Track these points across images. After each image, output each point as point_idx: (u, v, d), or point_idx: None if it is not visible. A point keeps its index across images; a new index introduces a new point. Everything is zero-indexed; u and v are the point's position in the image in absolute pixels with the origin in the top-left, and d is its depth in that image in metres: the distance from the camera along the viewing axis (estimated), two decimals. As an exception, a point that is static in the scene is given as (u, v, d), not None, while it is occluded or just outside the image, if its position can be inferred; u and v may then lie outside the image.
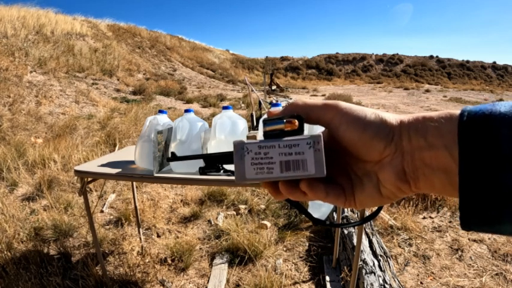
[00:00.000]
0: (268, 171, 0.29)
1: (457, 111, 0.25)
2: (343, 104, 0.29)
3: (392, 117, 0.28)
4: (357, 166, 0.30)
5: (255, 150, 0.29)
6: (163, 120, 1.34)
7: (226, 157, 1.14)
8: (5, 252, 1.84)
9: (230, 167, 1.15)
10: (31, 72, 6.89)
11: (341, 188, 0.30)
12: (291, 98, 10.40)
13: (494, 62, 32.70)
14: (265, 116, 0.31)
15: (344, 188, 0.30)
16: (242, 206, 2.53)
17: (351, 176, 0.31)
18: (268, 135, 0.30)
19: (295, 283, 1.70)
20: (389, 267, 1.58)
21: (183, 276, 1.77)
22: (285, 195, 0.30)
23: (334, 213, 2.13)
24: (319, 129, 0.34)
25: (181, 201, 2.67)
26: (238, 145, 0.29)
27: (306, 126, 0.32)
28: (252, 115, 1.76)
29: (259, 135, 1.19)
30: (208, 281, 1.72)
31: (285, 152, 0.28)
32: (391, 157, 0.27)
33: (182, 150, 1.22)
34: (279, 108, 0.31)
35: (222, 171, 1.14)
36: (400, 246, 1.99)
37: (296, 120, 0.29)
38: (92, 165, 1.40)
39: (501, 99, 14.20)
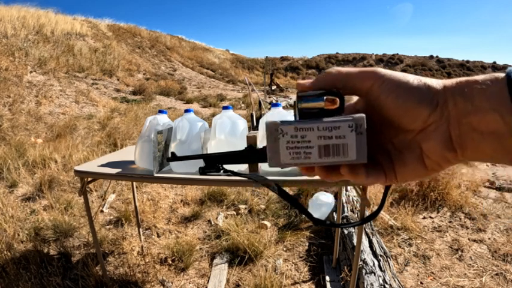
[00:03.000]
0: (306, 156, 0.26)
1: (502, 74, 0.24)
2: (383, 70, 0.27)
3: (436, 82, 0.26)
4: (397, 138, 0.28)
5: (290, 132, 0.26)
6: (163, 120, 1.34)
7: (226, 157, 1.14)
8: (5, 252, 1.84)
9: (230, 167, 1.15)
10: (31, 72, 6.89)
11: (380, 166, 0.28)
12: (291, 98, 10.39)
13: (494, 62, 32.68)
14: (304, 93, 0.28)
15: (383, 165, 0.29)
16: (242, 206, 2.53)
17: (389, 150, 0.29)
18: (304, 114, 0.27)
19: (295, 283, 1.70)
20: (389, 267, 1.58)
21: (183, 276, 1.77)
22: (320, 177, 0.28)
23: (334, 213, 2.13)
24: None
25: (181, 201, 2.67)
26: (272, 126, 0.26)
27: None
28: (252, 115, 1.76)
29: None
30: (208, 281, 1.72)
31: (325, 135, 0.26)
32: (436, 124, 0.26)
33: (182, 150, 1.22)
34: (308, 81, 0.28)
35: (222, 171, 1.14)
36: (400, 246, 1.99)
37: (337, 99, 0.26)
38: (92, 165, 1.40)
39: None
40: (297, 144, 0.26)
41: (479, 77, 0.24)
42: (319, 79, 0.28)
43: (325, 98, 0.26)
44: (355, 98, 0.30)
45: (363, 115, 0.26)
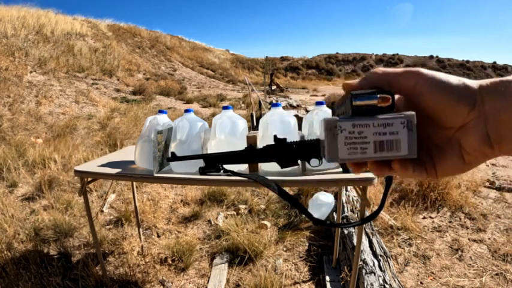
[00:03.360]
0: (362, 152, 0.28)
1: None
2: (425, 70, 0.29)
3: (473, 82, 0.28)
4: (438, 135, 0.30)
5: (348, 128, 0.28)
6: (163, 120, 1.34)
7: (226, 157, 1.14)
8: (5, 252, 1.84)
9: (230, 167, 1.15)
10: (31, 72, 6.89)
11: (421, 162, 0.30)
12: (291, 98, 10.39)
13: (494, 62, 32.68)
14: (356, 91, 0.29)
15: (424, 161, 0.30)
16: (242, 206, 2.53)
17: (429, 147, 0.31)
18: (358, 111, 0.28)
19: (295, 283, 1.70)
20: (389, 267, 1.58)
21: (183, 276, 1.77)
22: (370, 171, 0.30)
23: (334, 213, 2.13)
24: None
25: (181, 201, 2.67)
26: (331, 123, 0.28)
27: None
28: (252, 115, 1.76)
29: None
30: (208, 281, 1.72)
31: (379, 131, 0.28)
32: (474, 122, 0.27)
33: (182, 150, 1.22)
34: (355, 80, 0.30)
35: (222, 171, 1.14)
36: (400, 246, 1.99)
37: (389, 97, 0.28)
38: (92, 165, 1.40)
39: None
40: (354, 140, 0.28)
41: None
42: (366, 79, 0.30)
43: (378, 95, 0.28)
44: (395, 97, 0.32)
45: (413, 112, 0.28)
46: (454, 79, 0.28)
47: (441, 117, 0.29)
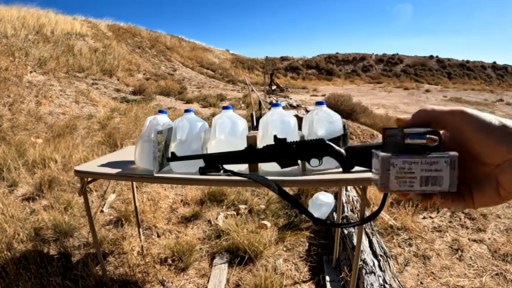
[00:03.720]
0: (410, 185, 0.32)
1: None
2: (469, 110, 0.32)
3: (510, 122, 0.30)
4: (477, 170, 0.33)
5: (400, 165, 0.32)
6: (163, 120, 1.34)
7: (226, 157, 1.14)
8: (5, 252, 1.84)
9: (230, 167, 1.15)
10: (31, 72, 6.89)
11: (460, 193, 0.33)
12: (291, 98, 10.39)
13: (494, 62, 32.69)
14: (408, 129, 0.33)
15: (463, 192, 0.33)
16: (242, 206, 2.53)
17: (469, 180, 0.33)
18: (409, 148, 0.32)
19: (295, 283, 1.70)
20: (390, 267, 1.58)
21: (183, 276, 1.77)
22: (414, 200, 0.34)
23: (334, 213, 2.13)
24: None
25: (181, 201, 2.67)
26: (385, 159, 0.32)
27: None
28: (252, 115, 1.76)
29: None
30: (208, 281, 1.72)
31: (426, 168, 0.31)
32: (511, 161, 0.30)
33: (182, 150, 1.22)
34: (407, 117, 0.35)
35: (222, 171, 1.14)
36: (400, 246, 1.99)
37: (437, 138, 0.32)
38: (92, 165, 1.40)
39: (501, 99, 14.19)
40: (404, 174, 0.32)
41: None
42: (417, 116, 0.34)
43: (427, 136, 0.32)
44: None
45: (457, 154, 0.32)
46: (494, 120, 0.30)
47: (481, 154, 0.31)
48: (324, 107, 1.22)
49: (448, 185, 0.31)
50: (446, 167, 0.31)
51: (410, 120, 0.34)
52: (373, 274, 1.48)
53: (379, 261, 1.57)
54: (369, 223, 1.90)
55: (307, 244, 2.05)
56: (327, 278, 1.70)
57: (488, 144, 0.30)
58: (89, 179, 1.41)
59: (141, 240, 2.03)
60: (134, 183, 2.02)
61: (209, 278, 1.74)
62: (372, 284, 1.42)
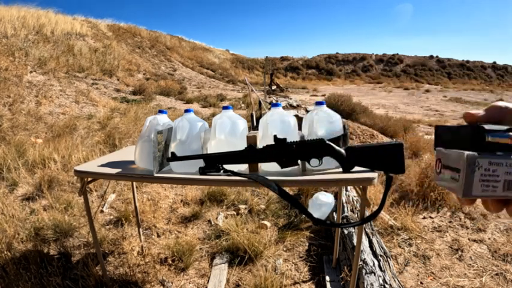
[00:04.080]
0: (493, 190, 0.28)
1: None
2: None
3: None
4: None
5: (485, 166, 0.28)
6: (163, 120, 1.34)
7: (226, 157, 1.15)
8: (5, 252, 1.84)
9: (230, 167, 1.15)
10: (31, 72, 6.89)
11: None
12: (291, 98, 10.39)
13: (494, 62, 32.68)
14: (487, 125, 0.29)
15: None
16: (242, 206, 2.53)
17: None
18: (489, 148, 0.28)
19: (295, 283, 1.70)
20: (390, 267, 1.58)
21: (183, 276, 1.77)
22: (490, 209, 0.30)
23: (334, 213, 2.13)
24: None
25: (181, 201, 2.67)
26: (472, 159, 0.28)
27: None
28: (252, 115, 1.76)
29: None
30: (208, 281, 1.72)
31: (510, 171, 0.27)
32: None
33: (182, 150, 1.22)
34: (479, 112, 0.30)
35: (222, 171, 1.14)
36: (400, 246, 1.99)
37: None
38: (92, 165, 1.40)
39: (501, 99, 14.19)
40: (488, 177, 0.28)
41: None
42: (489, 111, 0.30)
43: (510, 134, 0.28)
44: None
45: None
46: None
47: None
48: (324, 107, 1.22)
49: None
50: None
51: (482, 117, 0.30)
52: (373, 274, 1.48)
53: (379, 261, 1.57)
54: (368, 223, 1.90)
55: (307, 244, 2.05)
56: (327, 278, 1.70)
57: None
58: (89, 179, 1.41)
59: (141, 240, 2.03)
60: (134, 183, 2.02)
61: (209, 278, 1.74)
62: (371, 284, 1.42)
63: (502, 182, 0.27)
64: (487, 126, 0.28)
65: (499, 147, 0.28)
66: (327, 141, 1.06)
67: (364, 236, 1.75)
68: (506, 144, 0.28)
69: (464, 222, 2.27)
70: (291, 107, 7.90)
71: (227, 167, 1.14)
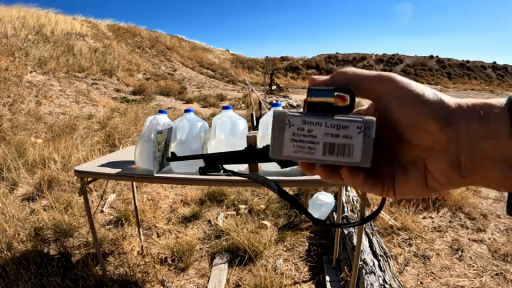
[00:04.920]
0: (309, 152, 0.26)
1: None
2: (400, 77, 0.26)
3: (452, 100, 0.25)
4: (403, 151, 0.27)
5: (298, 124, 0.25)
6: (163, 120, 1.34)
7: (226, 157, 1.14)
8: (5, 252, 1.84)
9: (230, 167, 1.15)
10: (31, 72, 6.89)
11: (379, 177, 0.27)
12: (291, 98, 10.39)
13: (494, 62, 32.67)
14: (316, 86, 0.27)
15: (382, 177, 0.28)
16: (242, 206, 2.53)
17: (392, 162, 0.28)
18: (312, 108, 0.26)
19: (295, 283, 1.70)
20: (390, 267, 1.58)
21: (183, 276, 1.77)
22: (319, 176, 0.27)
23: (334, 213, 2.13)
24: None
25: (181, 201, 2.67)
26: (280, 116, 0.26)
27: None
28: (252, 115, 1.76)
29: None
30: (208, 281, 1.72)
31: (332, 132, 0.25)
32: (445, 144, 0.24)
33: (182, 150, 1.22)
34: (323, 77, 0.28)
35: (222, 171, 1.14)
36: (400, 246, 1.99)
37: (348, 96, 0.26)
38: (92, 165, 1.40)
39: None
40: (302, 137, 0.25)
41: (496, 100, 0.23)
42: (333, 77, 0.27)
43: (335, 93, 0.25)
44: (365, 106, 0.29)
45: (374, 118, 0.25)
46: (429, 92, 0.25)
47: (408, 132, 0.26)
48: None
49: (359, 157, 0.25)
50: (358, 134, 0.25)
51: (322, 81, 0.27)
52: (373, 274, 1.48)
53: (379, 261, 1.57)
54: (368, 223, 1.90)
55: (307, 244, 2.05)
56: (327, 278, 1.70)
57: (416, 119, 0.24)
58: (89, 179, 1.41)
59: (141, 240, 2.03)
60: (134, 183, 2.02)
61: (209, 278, 1.74)
62: (371, 284, 1.42)
63: (322, 144, 0.25)
64: (312, 87, 0.26)
65: (324, 108, 0.25)
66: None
67: (364, 236, 1.75)
68: (330, 104, 0.25)
69: (464, 222, 2.27)
70: (291, 107, 7.91)
71: (227, 167, 1.14)
